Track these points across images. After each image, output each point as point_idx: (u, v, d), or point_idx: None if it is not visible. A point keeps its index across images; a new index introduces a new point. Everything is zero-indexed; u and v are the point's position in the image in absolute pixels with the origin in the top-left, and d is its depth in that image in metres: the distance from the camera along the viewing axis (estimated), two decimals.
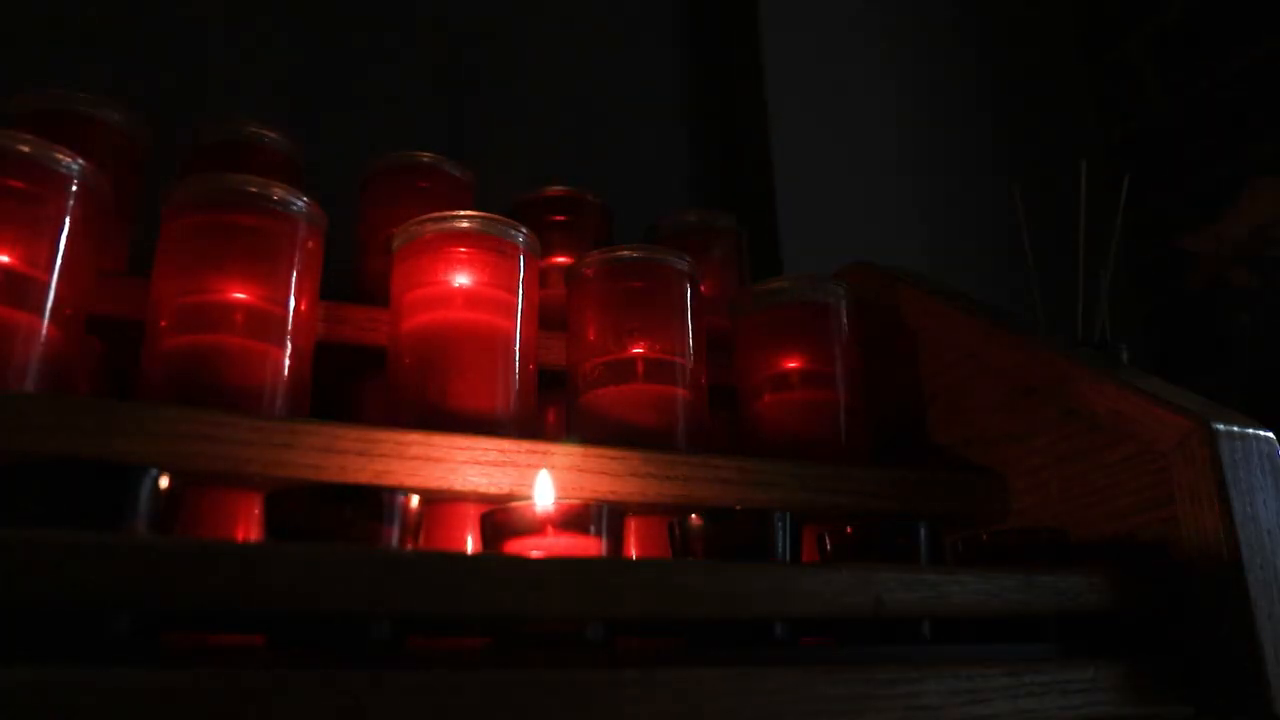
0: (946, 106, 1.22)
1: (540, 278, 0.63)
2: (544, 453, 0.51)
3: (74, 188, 0.51)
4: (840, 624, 0.47)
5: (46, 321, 0.48)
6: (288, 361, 0.53)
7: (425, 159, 0.74)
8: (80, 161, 0.51)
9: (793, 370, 0.67)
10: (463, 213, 0.59)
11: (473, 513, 0.50)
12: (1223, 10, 1.22)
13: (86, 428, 0.41)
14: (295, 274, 0.55)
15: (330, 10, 0.96)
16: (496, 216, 0.60)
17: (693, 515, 0.48)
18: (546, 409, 0.67)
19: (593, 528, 0.45)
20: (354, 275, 0.72)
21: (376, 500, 0.42)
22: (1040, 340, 0.64)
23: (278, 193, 0.54)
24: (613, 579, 0.39)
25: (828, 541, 0.53)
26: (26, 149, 0.49)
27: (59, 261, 0.49)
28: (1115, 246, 0.97)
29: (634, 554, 0.55)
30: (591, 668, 0.37)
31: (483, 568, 0.37)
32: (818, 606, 0.43)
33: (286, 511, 0.40)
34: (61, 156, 0.50)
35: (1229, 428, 0.53)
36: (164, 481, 0.38)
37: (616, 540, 0.46)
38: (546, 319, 0.64)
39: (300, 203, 0.55)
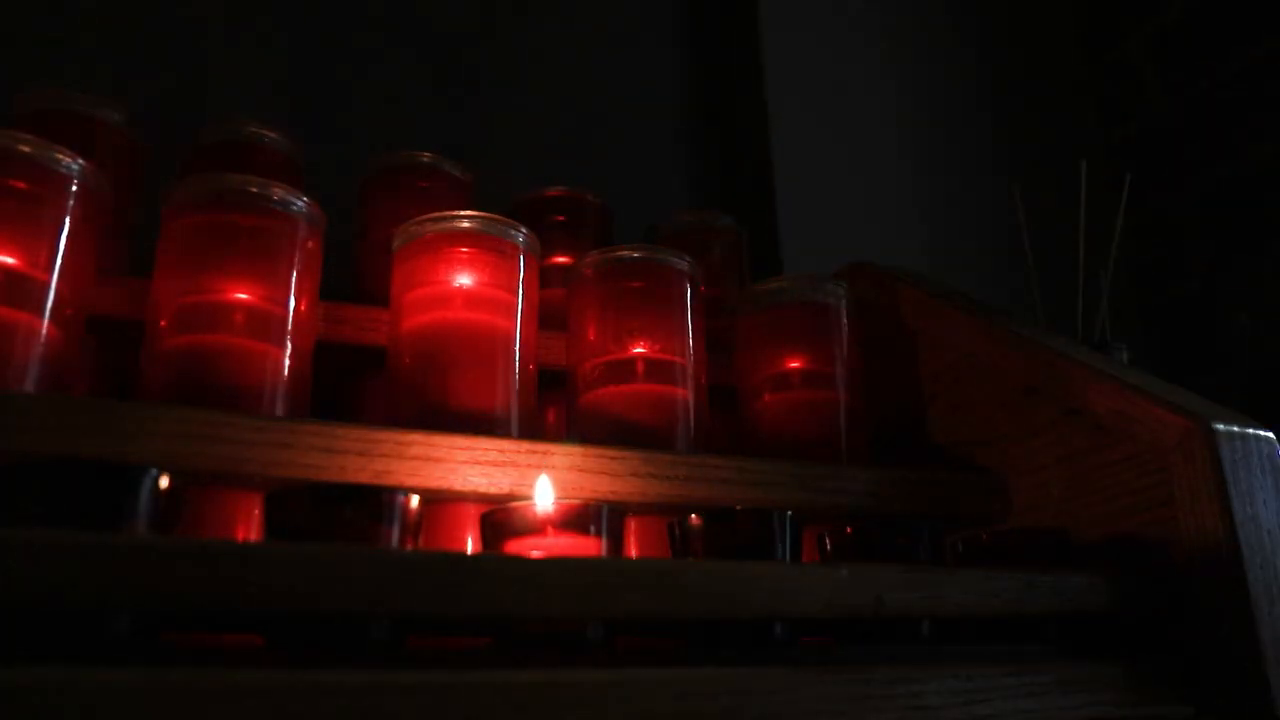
0: (946, 106, 1.22)
1: (540, 278, 0.63)
2: (544, 453, 0.51)
3: (74, 188, 0.51)
4: (840, 624, 0.47)
5: (46, 321, 0.48)
6: (288, 361, 0.53)
7: (425, 159, 0.74)
8: (80, 161, 0.51)
9: (793, 370, 0.67)
10: (463, 213, 0.59)
11: (473, 513, 0.50)
12: (1223, 10, 1.22)
13: (86, 428, 0.41)
14: (295, 274, 0.55)
15: (330, 10, 0.96)
16: (496, 216, 0.60)
17: (693, 515, 0.48)
18: (546, 409, 0.67)
19: (593, 528, 0.45)
20: (354, 275, 0.72)
21: (376, 500, 0.42)
22: (1040, 340, 0.64)
23: (278, 193, 0.54)
24: (612, 579, 0.39)
25: (828, 541, 0.53)
26: (26, 149, 0.49)
27: (59, 261, 0.49)
28: (1115, 246, 0.97)
29: (634, 554, 0.55)
30: (591, 668, 0.37)
31: (483, 568, 0.37)
32: (818, 606, 0.43)
33: (286, 511, 0.40)
34: (61, 156, 0.50)
35: (1229, 428, 0.53)
36: (164, 481, 0.38)
37: (616, 540, 0.46)
38: (546, 319, 0.64)
39: (300, 203, 0.55)
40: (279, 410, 0.52)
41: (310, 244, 0.56)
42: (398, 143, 0.78)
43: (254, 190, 0.54)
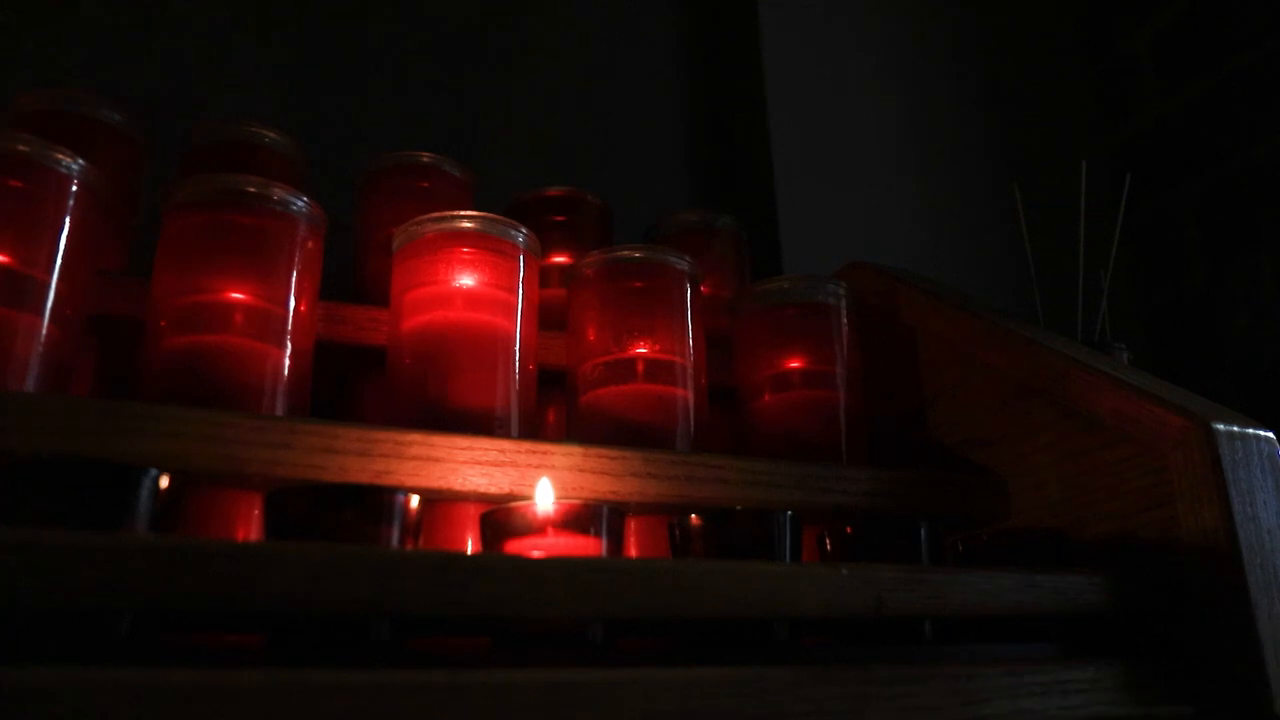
0: (947, 106, 1.22)
1: (540, 278, 0.63)
2: (544, 453, 0.51)
3: (73, 188, 0.51)
4: (840, 624, 0.47)
5: (46, 321, 0.48)
6: (287, 361, 0.53)
7: (425, 159, 0.74)
8: (80, 161, 0.51)
9: (793, 370, 0.67)
10: (463, 213, 0.59)
11: (473, 513, 0.50)
12: (1223, 10, 1.22)
13: (86, 428, 0.41)
14: (295, 274, 0.55)
15: (330, 9, 0.96)
16: (497, 216, 0.60)
17: (693, 515, 0.48)
18: (546, 409, 0.67)
19: (593, 528, 0.45)
20: (354, 275, 0.72)
21: (376, 500, 0.42)
22: (1040, 340, 0.64)
23: (278, 193, 0.54)
24: (612, 579, 0.39)
25: (828, 541, 0.53)
26: (26, 149, 0.49)
27: (59, 261, 0.49)
28: (1115, 246, 0.97)
29: (634, 554, 0.55)
30: (591, 668, 0.37)
31: (483, 568, 0.37)
32: (818, 606, 0.43)
33: (286, 511, 0.40)
34: (61, 156, 0.50)
35: (1229, 428, 0.53)
36: (164, 481, 0.38)
37: (616, 540, 0.46)
38: (546, 319, 0.64)
39: (300, 203, 0.55)
40: (279, 410, 0.52)
41: (310, 244, 0.56)
42: (398, 142, 0.78)
43: (254, 190, 0.54)
